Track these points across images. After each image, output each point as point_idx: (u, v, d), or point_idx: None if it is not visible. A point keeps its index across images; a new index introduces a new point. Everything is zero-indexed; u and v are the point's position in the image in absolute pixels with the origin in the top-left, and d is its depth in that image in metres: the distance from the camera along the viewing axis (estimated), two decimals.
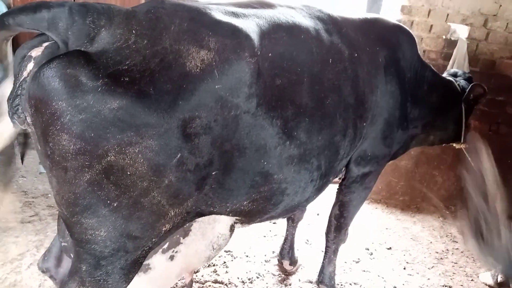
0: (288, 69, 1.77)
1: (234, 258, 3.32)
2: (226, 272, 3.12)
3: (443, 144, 3.21)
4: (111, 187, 1.43)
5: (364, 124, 2.27)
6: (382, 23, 2.55)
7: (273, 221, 3.93)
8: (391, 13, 4.37)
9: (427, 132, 2.93)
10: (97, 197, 1.43)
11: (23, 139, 4.66)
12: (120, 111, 1.35)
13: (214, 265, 3.16)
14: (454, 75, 3.24)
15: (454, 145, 3.20)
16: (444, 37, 4.31)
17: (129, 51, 1.40)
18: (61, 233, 1.93)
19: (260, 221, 2.14)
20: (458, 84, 3.02)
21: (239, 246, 3.43)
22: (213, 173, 1.64)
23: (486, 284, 3.45)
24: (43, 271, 2.09)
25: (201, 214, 1.79)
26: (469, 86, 2.92)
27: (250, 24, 1.71)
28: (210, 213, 1.80)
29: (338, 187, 2.70)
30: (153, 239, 1.64)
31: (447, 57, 4.27)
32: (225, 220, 1.96)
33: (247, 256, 3.37)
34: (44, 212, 3.52)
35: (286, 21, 1.88)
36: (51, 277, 2.09)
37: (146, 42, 1.43)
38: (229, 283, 3.01)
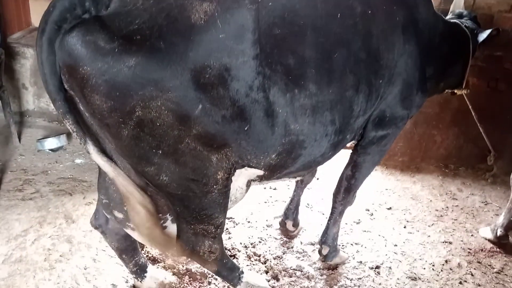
0: (289, 20, 1.81)
1: (236, 224, 3.35)
2: (229, 238, 3.16)
3: (446, 91, 3.19)
4: (149, 138, 1.61)
5: (381, 81, 2.26)
6: None
7: (274, 187, 3.97)
8: None
9: (438, 82, 2.93)
10: (142, 148, 1.63)
11: (19, 118, 4.64)
12: (138, 67, 1.47)
13: None
14: (460, 15, 3.20)
15: (456, 91, 3.18)
16: None
17: (137, 11, 1.49)
18: (102, 191, 2.09)
19: (278, 178, 2.28)
20: (465, 26, 2.99)
21: (240, 213, 3.46)
22: (245, 128, 1.75)
23: (486, 239, 3.51)
24: (96, 228, 2.35)
25: (244, 166, 1.94)
26: (489, 32, 2.98)
27: None
28: (250, 166, 1.94)
29: (353, 148, 2.70)
30: (214, 186, 1.84)
31: (445, 13, 4.17)
32: (244, 175, 2.02)
33: (249, 222, 3.41)
34: (45, 188, 3.53)
35: None
36: (102, 232, 2.36)
37: (153, 2, 1.51)
38: (232, 249, 3.05)
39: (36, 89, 4.73)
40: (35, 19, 4.93)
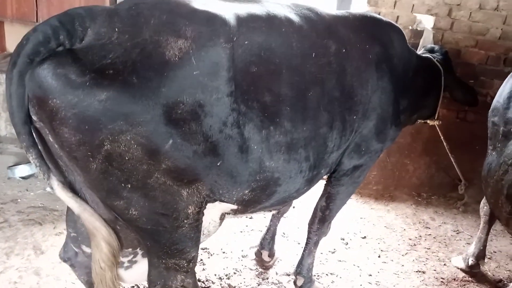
0: (265, 59, 1.84)
1: (211, 255, 3.31)
2: (203, 269, 3.12)
3: (419, 121, 3.29)
4: (118, 172, 1.58)
5: (355, 117, 2.31)
6: (374, 21, 2.60)
7: (250, 216, 3.95)
8: (358, 5, 4.42)
9: (411, 114, 3.02)
10: (111, 182, 1.60)
11: None
12: (108, 101, 1.46)
13: None
14: (431, 50, 3.34)
15: (429, 122, 3.29)
16: (410, 27, 4.38)
17: (112, 46, 1.50)
18: (71, 224, 2.05)
19: (252, 212, 2.26)
20: (436, 60, 3.11)
21: (215, 243, 3.42)
22: (218, 164, 1.74)
23: (458, 268, 3.55)
24: (64, 261, 2.27)
25: (216, 200, 1.92)
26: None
27: (227, 12, 1.77)
28: (222, 201, 1.92)
29: (327, 179, 2.72)
30: (185, 220, 1.80)
31: (414, 47, 4.33)
32: (218, 208, 2.00)
33: (224, 252, 3.37)
34: (14, 218, 3.42)
35: (267, 14, 1.93)
36: (71, 265, 2.28)
37: (128, 37, 1.53)
38: (206, 280, 3.00)
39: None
40: (10, 45, 4.87)
